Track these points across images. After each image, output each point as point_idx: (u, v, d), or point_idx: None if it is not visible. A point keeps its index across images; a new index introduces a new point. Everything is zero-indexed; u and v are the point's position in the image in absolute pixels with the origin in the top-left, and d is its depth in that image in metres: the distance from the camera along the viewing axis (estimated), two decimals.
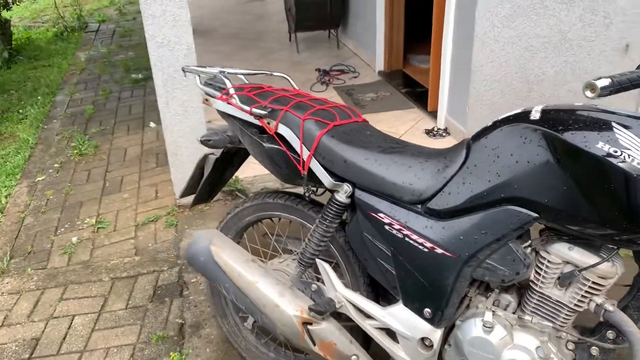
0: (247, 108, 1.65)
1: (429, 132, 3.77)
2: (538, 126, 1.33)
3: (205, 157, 1.93)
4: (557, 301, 1.41)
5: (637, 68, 1.26)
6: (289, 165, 1.65)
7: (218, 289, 2.00)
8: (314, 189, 1.70)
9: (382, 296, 1.77)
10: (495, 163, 1.38)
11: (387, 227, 1.52)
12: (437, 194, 1.46)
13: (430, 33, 3.83)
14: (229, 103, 1.71)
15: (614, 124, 1.23)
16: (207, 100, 1.78)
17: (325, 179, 1.58)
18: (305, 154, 1.59)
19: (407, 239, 1.49)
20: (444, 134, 3.76)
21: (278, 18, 7.45)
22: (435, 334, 1.52)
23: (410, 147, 1.60)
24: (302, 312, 1.61)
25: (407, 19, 4.89)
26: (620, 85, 1.12)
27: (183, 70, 1.88)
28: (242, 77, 1.91)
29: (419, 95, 4.37)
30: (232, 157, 1.99)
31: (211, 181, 1.99)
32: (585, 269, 1.34)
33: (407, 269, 1.51)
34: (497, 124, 1.44)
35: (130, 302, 2.54)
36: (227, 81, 1.73)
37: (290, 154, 1.62)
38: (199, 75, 1.82)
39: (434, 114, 3.95)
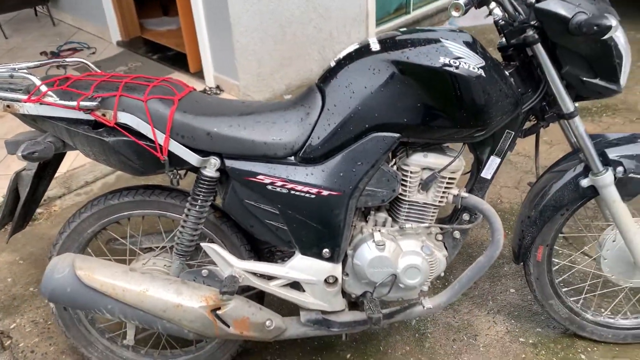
0: (74, 103, 1.40)
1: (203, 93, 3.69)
2: (382, 55, 1.46)
3: (17, 176, 1.59)
4: (424, 203, 1.62)
5: None
6: (141, 156, 1.48)
7: (78, 316, 1.76)
8: (179, 173, 1.57)
9: (263, 257, 1.77)
10: (353, 98, 1.47)
11: (269, 187, 1.50)
12: (307, 141, 1.50)
13: None
14: (43, 103, 1.42)
15: (442, 39, 1.43)
16: (8, 107, 1.44)
17: (191, 157, 1.47)
18: (161, 137, 1.45)
19: (292, 192, 1.51)
20: (218, 92, 3.73)
21: None
22: (337, 269, 1.61)
23: (263, 104, 1.59)
24: (207, 301, 1.51)
25: None
26: (472, 3, 1.30)
27: None
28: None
29: (174, 58, 4.19)
30: (45, 169, 1.68)
31: (25, 202, 1.65)
32: (442, 169, 1.56)
33: (300, 220, 1.54)
34: (341, 63, 1.52)
35: None
36: (33, 78, 1.42)
37: (142, 142, 1.45)
38: None
39: (199, 74, 3.87)
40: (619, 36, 1.45)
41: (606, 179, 1.57)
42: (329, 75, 1.53)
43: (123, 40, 4.62)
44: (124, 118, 1.43)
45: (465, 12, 1.31)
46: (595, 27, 1.31)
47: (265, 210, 1.54)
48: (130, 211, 1.67)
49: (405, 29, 1.55)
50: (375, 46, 1.49)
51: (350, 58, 1.51)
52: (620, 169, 1.57)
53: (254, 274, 1.61)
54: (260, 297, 1.76)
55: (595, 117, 3.28)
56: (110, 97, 1.43)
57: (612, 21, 1.30)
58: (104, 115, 1.43)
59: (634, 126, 3.14)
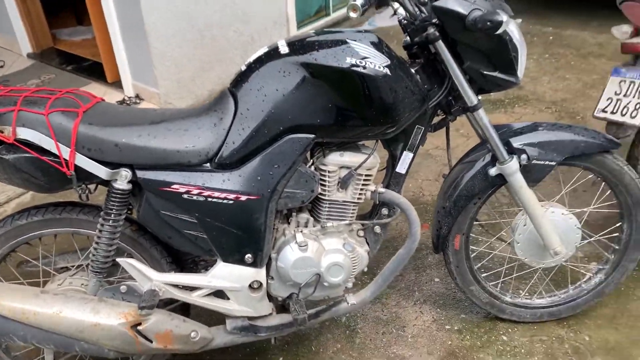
0: None
1: (122, 104, 3.58)
2: (291, 58, 1.47)
3: None
4: (344, 201, 1.65)
5: None
6: (46, 172, 1.41)
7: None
8: (89, 187, 1.51)
9: (186, 267, 1.73)
10: (265, 102, 1.47)
11: (185, 196, 1.48)
12: (222, 147, 1.49)
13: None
14: None
15: (348, 40, 1.46)
16: None
17: (100, 170, 1.42)
18: (65, 151, 1.39)
19: (209, 199, 1.48)
20: (138, 101, 3.63)
21: None
22: (261, 274, 1.60)
23: (175, 111, 1.56)
24: (127, 317, 1.47)
25: None
26: (370, 3, 1.33)
27: None
28: None
29: (91, 68, 4.03)
30: None
31: None
32: (358, 167, 1.59)
33: (219, 227, 1.52)
34: (252, 67, 1.52)
35: None
36: None
37: (45, 157, 1.39)
38: None
39: (117, 84, 3.74)
40: (513, 30, 1.53)
41: (512, 166, 1.65)
42: (240, 79, 1.53)
43: (34, 51, 4.40)
44: (24, 134, 1.37)
45: (363, 12, 1.35)
46: (488, 23, 1.38)
47: (183, 220, 1.51)
48: (40, 231, 1.59)
49: (313, 31, 1.56)
50: (284, 49, 1.50)
51: (260, 61, 1.51)
52: (524, 156, 1.65)
53: (176, 285, 1.58)
54: (185, 308, 1.72)
55: (508, 108, 3.44)
56: (7, 112, 1.36)
57: (504, 17, 1.37)
58: (1, 132, 1.36)
59: (543, 115, 3.33)
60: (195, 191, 1.47)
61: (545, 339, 1.92)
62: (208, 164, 1.50)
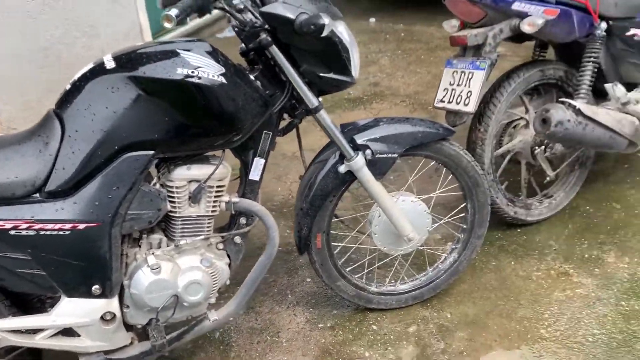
0: None
1: None
2: (118, 73, 1.40)
3: None
4: (197, 216, 1.60)
5: None
6: None
7: None
8: None
9: (30, 308, 1.59)
10: (95, 121, 1.40)
11: (12, 233, 1.35)
12: (51, 174, 1.38)
13: None
14: None
15: (178, 50, 1.42)
16: None
17: None
18: None
19: (42, 232, 1.37)
20: None
21: None
22: (113, 304, 1.51)
23: None
24: None
25: None
26: (186, 12, 1.30)
27: None
28: None
29: None
30: None
31: None
32: (207, 179, 1.55)
33: (57, 261, 1.41)
34: (77, 85, 1.44)
35: None
36: None
37: None
38: None
39: None
40: (342, 32, 1.57)
41: (358, 162, 1.70)
42: (66, 99, 1.44)
43: None
44: None
45: (178, 22, 1.31)
46: (312, 26, 1.41)
47: (14, 258, 1.38)
48: None
49: (141, 43, 1.50)
50: (110, 64, 1.42)
51: (85, 79, 1.44)
52: (368, 151, 1.71)
53: (18, 330, 1.44)
54: (36, 352, 1.58)
55: (366, 105, 3.58)
56: None
57: (326, 19, 1.40)
58: None
59: (398, 108, 3.50)
60: (24, 225, 1.35)
61: (412, 322, 2.01)
62: (37, 194, 1.38)
